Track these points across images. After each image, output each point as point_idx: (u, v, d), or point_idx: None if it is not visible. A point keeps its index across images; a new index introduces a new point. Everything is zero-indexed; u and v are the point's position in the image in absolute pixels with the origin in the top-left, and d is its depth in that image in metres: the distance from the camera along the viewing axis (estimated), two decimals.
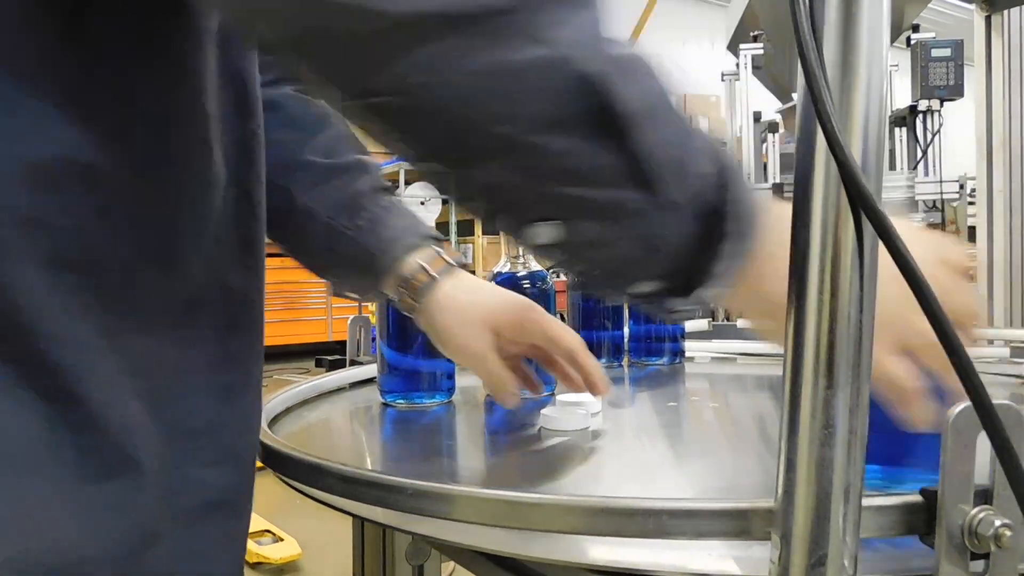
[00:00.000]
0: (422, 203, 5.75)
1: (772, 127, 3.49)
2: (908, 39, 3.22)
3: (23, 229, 0.40)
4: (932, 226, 3.75)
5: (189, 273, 0.49)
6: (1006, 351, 0.98)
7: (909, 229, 0.46)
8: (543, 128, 0.35)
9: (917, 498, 0.37)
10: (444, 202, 5.85)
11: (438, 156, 0.38)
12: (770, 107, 3.71)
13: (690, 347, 1.10)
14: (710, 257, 0.39)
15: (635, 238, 0.38)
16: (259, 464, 0.62)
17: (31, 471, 0.41)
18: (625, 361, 1.05)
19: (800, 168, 0.35)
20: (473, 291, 0.69)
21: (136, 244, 0.45)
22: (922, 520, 0.37)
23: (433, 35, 0.33)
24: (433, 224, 0.82)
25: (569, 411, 0.71)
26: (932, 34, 3.24)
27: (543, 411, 0.72)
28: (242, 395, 0.54)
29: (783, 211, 0.38)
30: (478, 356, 0.66)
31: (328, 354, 5.47)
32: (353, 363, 0.97)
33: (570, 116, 0.35)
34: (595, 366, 0.69)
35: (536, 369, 0.80)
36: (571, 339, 0.69)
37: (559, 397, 0.73)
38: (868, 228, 0.33)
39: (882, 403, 0.45)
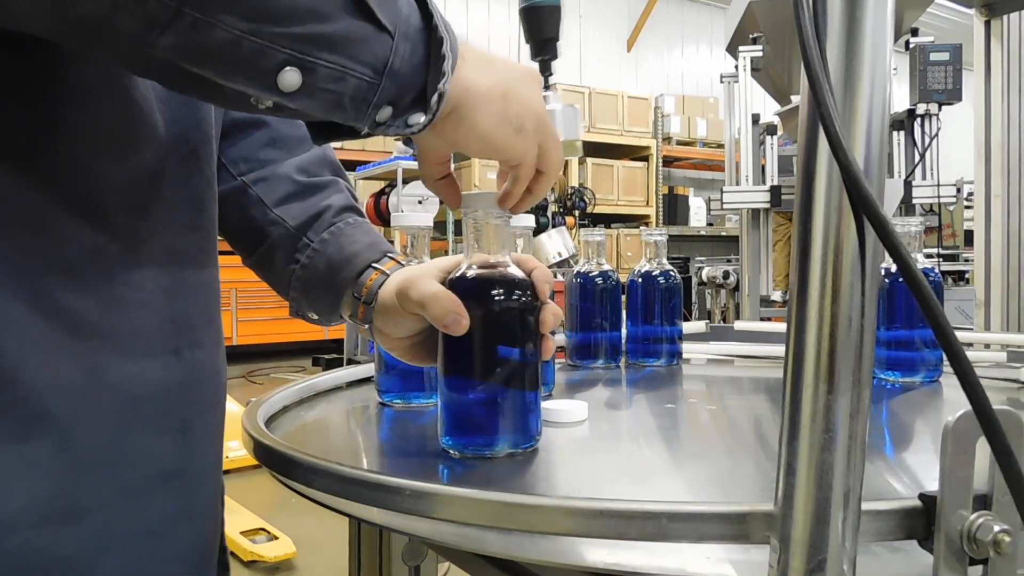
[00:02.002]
0: (420, 202, 5.74)
1: (771, 129, 3.49)
2: (907, 43, 3.23)
3: None
4: (929, 230, 3.76)
5: (121, 229, 0.48)
6: (1003, 355, 0.98)
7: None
8: None
9: (916, 503, 0.37)
10: (441, 202, 5.85)
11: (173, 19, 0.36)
12: (769, 109, 3.71)
13: (687, 349, 1.10)
14: (436, 73, 0.44)
15: (365, 65, 0.41)
16: (254, 462, 0.62)
17: None
18: (623, 362, 1.05)
19: (803, 172, 0.35)
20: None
21: (49, 193, 0.44)
22: (921, 525, 0.37)
23: None
24: (431, 223, 0.80)
25: (569, 404, 0.72)
26: (931, 38, 3.25)
27: (543, 404, 0.72)
28: (192, 362, 0.53)
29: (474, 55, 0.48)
30: (422, 277, 0.60)
31: (324, 352, 5.47)
32: (350, 362, 0.97)
33: None
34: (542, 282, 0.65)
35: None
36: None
37: (544, 405, 0.73)
38: (870, 233, 0.33)
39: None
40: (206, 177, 0.55)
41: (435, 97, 0.45)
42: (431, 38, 0.44)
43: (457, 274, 0.60)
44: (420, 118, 0.45)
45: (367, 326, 0.66)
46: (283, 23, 0.38)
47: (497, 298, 0.58)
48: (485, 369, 0.58)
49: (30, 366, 0.43)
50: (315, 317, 0.71)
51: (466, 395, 0.59)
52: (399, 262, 0.68)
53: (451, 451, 0.60)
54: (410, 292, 0.59)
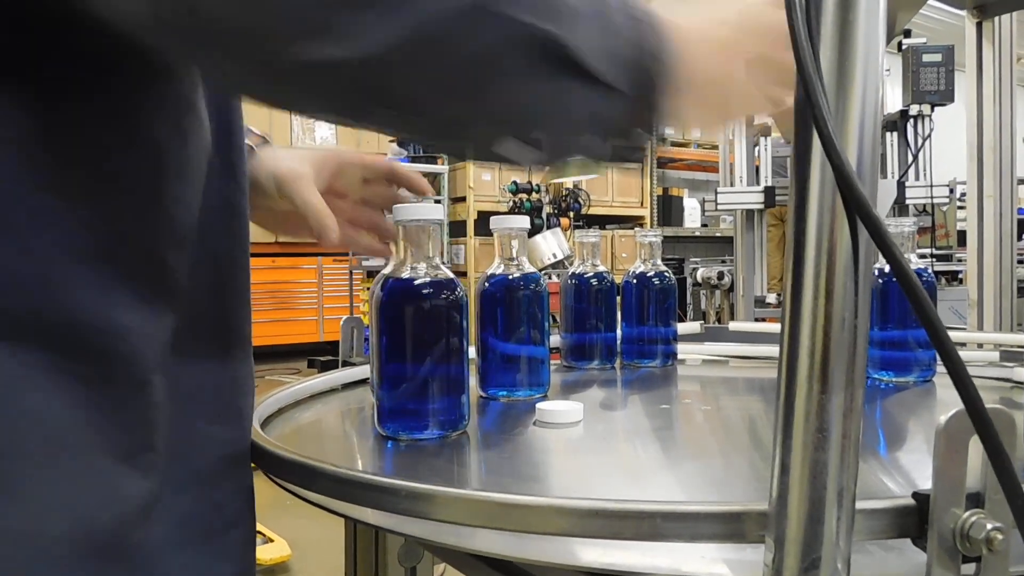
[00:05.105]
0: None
1: (765, 131, 3.50)
2: (899, 44, 3.24)
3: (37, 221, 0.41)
4: (923, 230, 3.77)
5: (181, 237, 0.50)
6: (995, 355, 0.99)
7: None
8: (494, 70, 0.40)
9: (910, 501, 0.37)
10: (436, 202, 5.84)
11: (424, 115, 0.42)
12: None
13: (682, 350, 1.10)
14: (651, 113, 0.46)
15: (586, 121, 0.44)
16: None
17: (73, 451, 0.42)
18: (618, 363, 1.05)
19: (796, 173, 0.35)
20: (293, 150, 0.73)
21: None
22: (914, 523, 0.37)
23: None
24: (442, 216, 0.80)
25: (565, 405, 0.72)
26: (923, 39, 3.26)
27: (538, 405, 0.72)
28: (239, 357, 0.58)
29: (692, 37, 0.46)
30: (303, 179, 0.67)
31: (320, 354, 5.46)
32: (345, 364, 0.97)
33: (508, 52, 0.40)
34: (413, 173, 0.76)
35: (528, 370, 0.80)
36: (382, 160, 0.77)
37: (540, 406, 0.73)
38: (863, 232, 0.33)
39: None
40: (241, 187, 0.58)
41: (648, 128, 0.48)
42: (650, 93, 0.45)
43: (388, 270, 0.67)
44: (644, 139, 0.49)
45: None
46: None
47: (425, 294, 0.65)
48: (415, 362, 0.65)
49: (142, 386, 0.46)
50: None
51: (398, 387, 0.66)
52: (263, 137, 0.71)
53: (387, 436, 0.67)
54: (293, 197, 0.65)
